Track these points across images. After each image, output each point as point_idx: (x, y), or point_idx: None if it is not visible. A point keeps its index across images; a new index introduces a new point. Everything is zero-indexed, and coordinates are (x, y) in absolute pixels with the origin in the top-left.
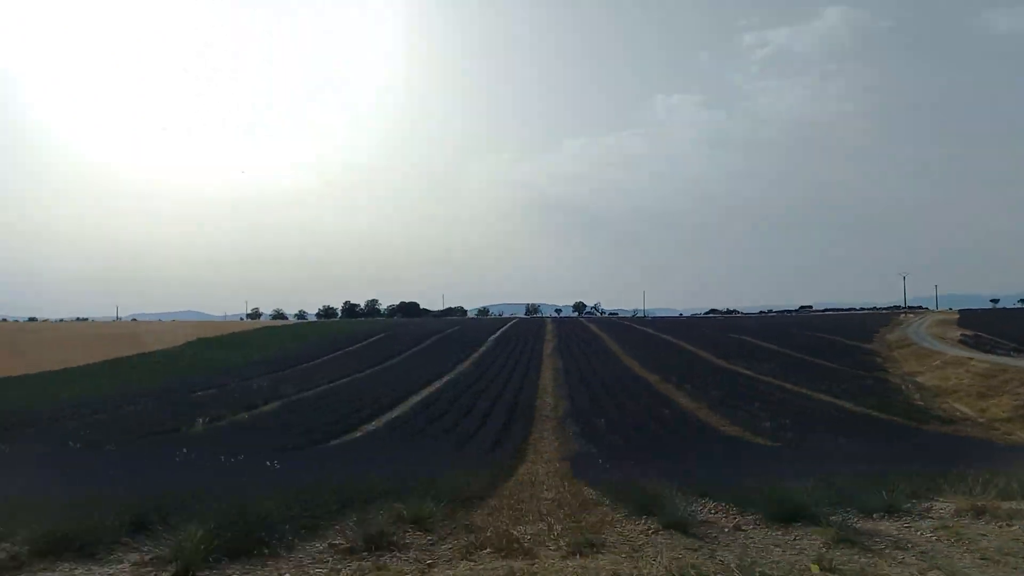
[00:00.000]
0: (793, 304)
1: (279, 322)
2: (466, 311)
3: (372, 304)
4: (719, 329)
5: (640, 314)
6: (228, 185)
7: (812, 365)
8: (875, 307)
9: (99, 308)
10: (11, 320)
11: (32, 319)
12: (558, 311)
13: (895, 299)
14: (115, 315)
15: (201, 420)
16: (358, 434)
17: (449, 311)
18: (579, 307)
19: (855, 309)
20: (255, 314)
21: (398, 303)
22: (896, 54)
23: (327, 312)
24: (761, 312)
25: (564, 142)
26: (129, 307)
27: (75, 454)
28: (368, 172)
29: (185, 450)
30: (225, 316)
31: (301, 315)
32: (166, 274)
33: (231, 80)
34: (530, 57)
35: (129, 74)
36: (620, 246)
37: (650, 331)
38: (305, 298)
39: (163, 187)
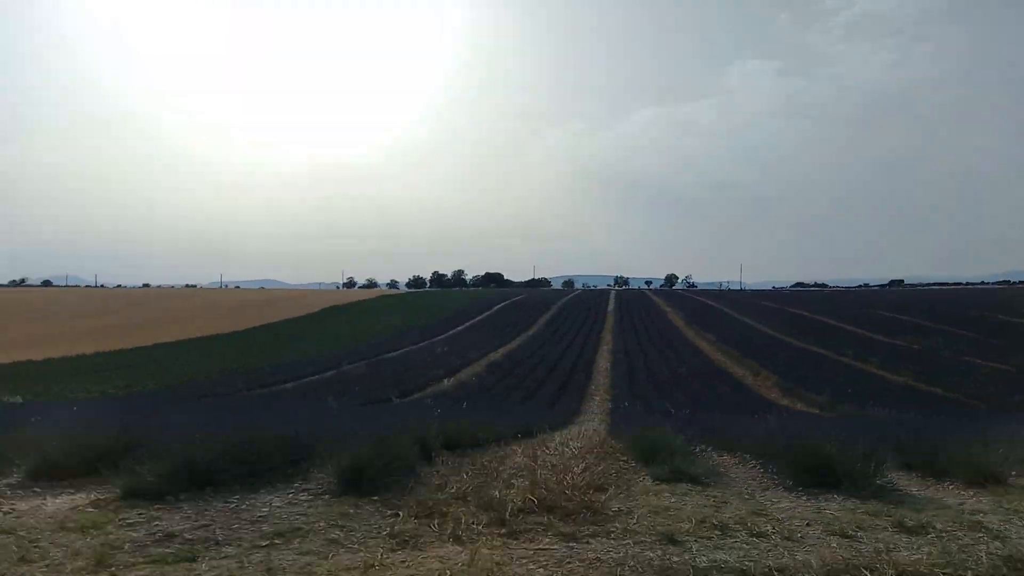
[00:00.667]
0: (876, 278)
1: (393, 291)
2: (550, 282)
3: (458, 274)
4: (850, 305)
5: (726, 287)
6: (304, 160)
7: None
8: (983, 281)
9: (185, 276)
10: (127, 287)
11: (146, 285)
12: (648, 283)
13: (995, 272)
14: (219, 282)
15: (435, 379)
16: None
17: (534, 282)
18: (670, 279)
19: (965, 284)
20: (350, 283)
21: (483, 273)
22: (991, 13)
23: (416, 281)
24: (861, 286)
25: (633, 114)
26: (211, 276)
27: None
28: (439, 146)
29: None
30: (320, 285)
31: (393, 284)
32: (243, 245)
33: (308, 61)
34: (598, 28)
35: (224, 63)
36: (701, 218)
37: (709, 302)
38: (378, 268)
39: (240, 163)
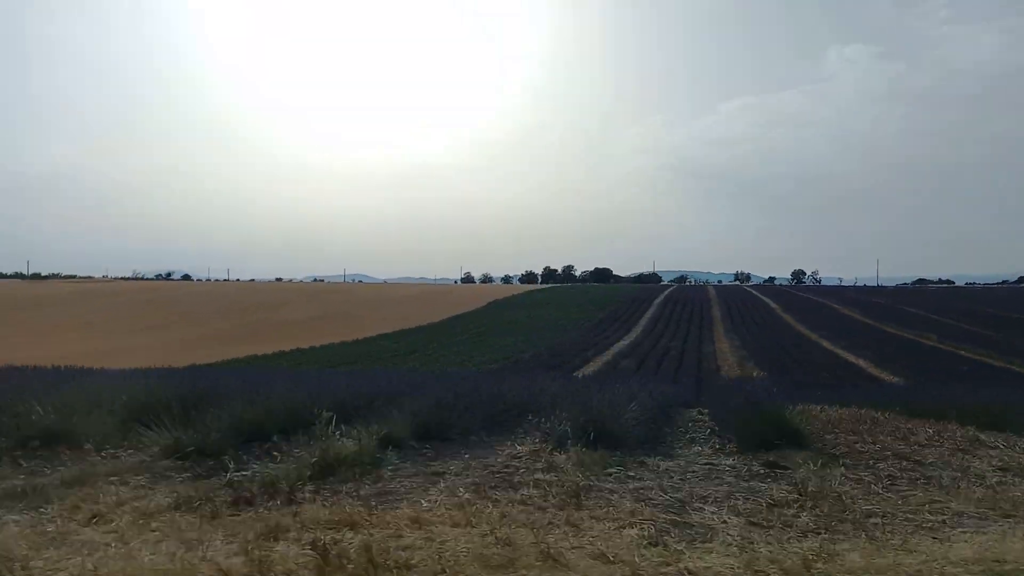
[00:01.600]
0: (997, 275)
1: (536, 286)
2: (660, 277)
3: (568, 269)
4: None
5: (856, 283)
6: (391, 159)
7: None
8: None
9: (278, 271)
10: (261, 281)
11: (278, 279)
12: (771, 279)
13: None
14: (342, 275)
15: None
16: None
17: (644, 277)
18: (797, 276)
19: None
20: (468, 278)
21: (592, 269)
22: None
23: (529, 277)
24: (1002, 283)
25: (719, 105)
26: (305, 271)
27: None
28: (519, 145)
29: None
30: (436, 280)
31: (507, 279)
32: (329, 241)
33: (404, 57)
34: (682, 17)
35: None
36: (791, 212)
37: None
38: (475, 263)
39: (338, 163)
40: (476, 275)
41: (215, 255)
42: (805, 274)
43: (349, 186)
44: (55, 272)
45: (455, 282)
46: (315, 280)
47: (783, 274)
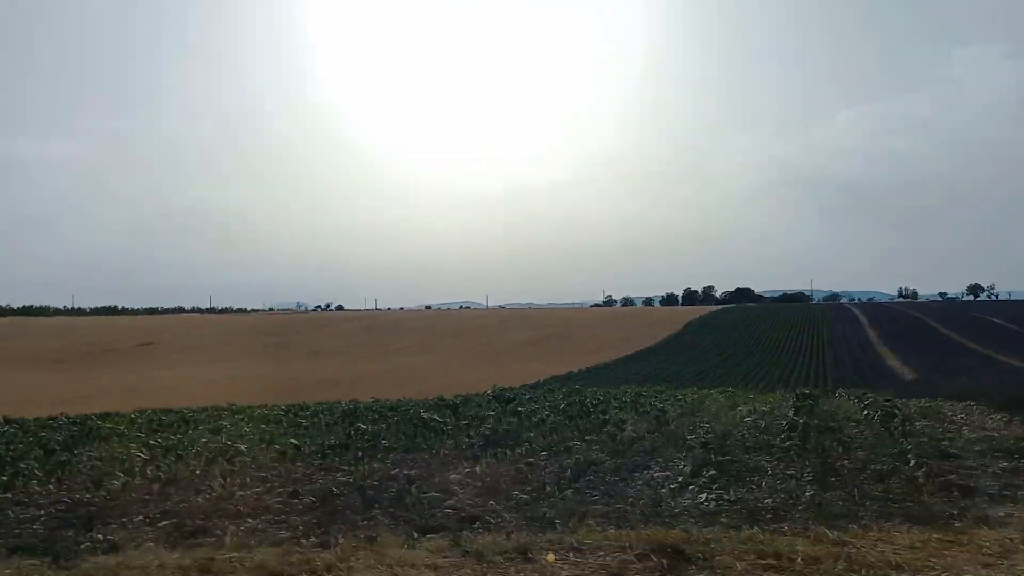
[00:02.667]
0: None
1: (714, 307)
2: (810, 296)
3: (708, 290)
4: None
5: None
6: (483, 181)
7: None
8: None
9: (397, 299)
10: (409, 308)
11: (427, 307)
12: (943, 295)
13: None
14: (457, 303)
15: None
16: None
17: (789, 297)
18: (974, 290)
19: None
20: (609, 301)
21: (734, 289)
22: None
23: (670, 299)
24: None
25: (834, 114)
26: (408, 300)
27: None
28: (621, 160)
29: None
30: (572, 303)
31: (648, 301)
32: (428, 265)
33: (492, 76)
34: (793, 23)
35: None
36: (907, 224)
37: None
38: (570, 284)
39: (422, 183)
40: (596, 298)
41: (331, 285)
42: (983, 289)
43: (457, 209)
44: (219, 306)
45: (593, 305)
46: (462, 307)
47: (931, 290)
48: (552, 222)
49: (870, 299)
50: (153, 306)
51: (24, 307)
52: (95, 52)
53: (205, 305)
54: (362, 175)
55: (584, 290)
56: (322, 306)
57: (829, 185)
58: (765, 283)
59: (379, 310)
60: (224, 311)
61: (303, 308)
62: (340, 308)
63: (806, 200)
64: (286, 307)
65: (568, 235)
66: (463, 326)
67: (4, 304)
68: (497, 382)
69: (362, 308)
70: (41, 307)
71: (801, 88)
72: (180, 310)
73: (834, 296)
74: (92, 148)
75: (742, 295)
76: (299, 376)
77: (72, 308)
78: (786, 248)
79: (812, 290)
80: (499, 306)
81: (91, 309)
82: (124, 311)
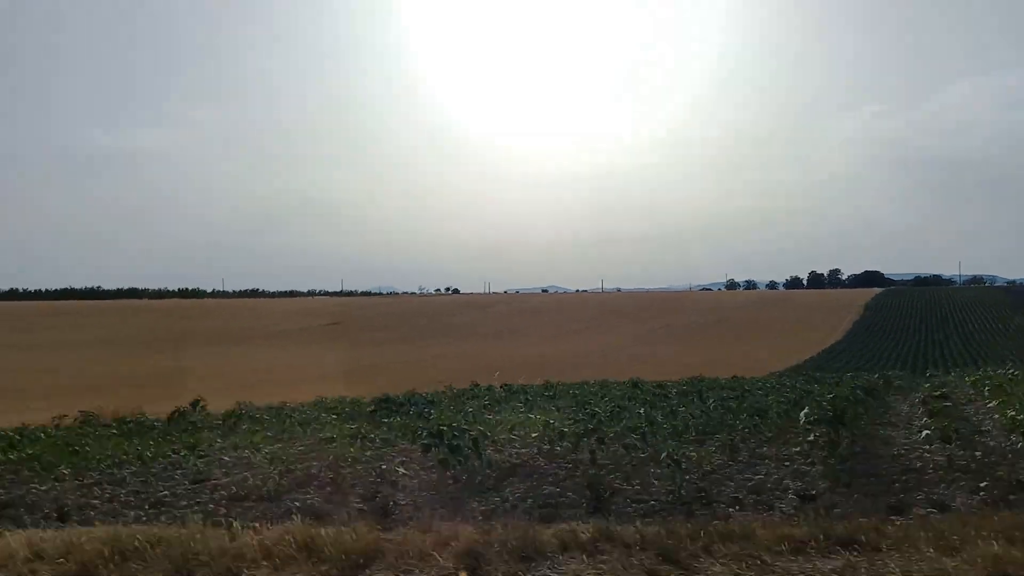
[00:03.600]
0: None
1: (876, 290)
2: (952, 280)
3: (834, 273)
4: None
5: None
6: (573, 164)
7: None
8: None
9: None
10: (521, 291)
11: (452, 289)
12: None
13: None
14: (540, 287)
15: None
16: None
17: (923, 280)
18: None
19: None
20: (732, 284)
21: (862, 271)
22: None
23: (794, 282)
24: None
25: (946, 86)
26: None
27: None
28: (714, 143)
29: None
30: (692, 287)
31: (772, 284)
32: (518, 249)
33: (576, 65)
34: None
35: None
36: None
37: None
38: (681, 269)
39: (518, 166)
40: (696, 280)
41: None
42: None
43: (540, 194)
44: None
45: (720, 287)
46: (578, 291)
47: None
48: (638, 207)
49: (1013, 283)
50: (286, 289)
51: (182, 290)
52: (220, 49)
53: (336, 288)
54: (459, 162)
55: (675, 275)
56: (441, 289)
57: (943, 163)
58: (890, 266)
59: (497, 293)
60: (369, 294)
61: (423, 291)
62: (456, 291)
63: (918, 179)
64: (407, 290)
65: (653, 220)
66: (615, 308)
67: (141, 286)
68: (725, 366)
69: (479, 292)
70: (194, 290)
71: (911, 58)
72: (313, 293)
73: (977, 279)
74: (213, 138)
75: (872, 278)
76: (512, 356)
77: (219, 291)
78: (899, 230)
79: (959, 274)
80: (616, 289)
81: (234, 292)
82: (263, 294)
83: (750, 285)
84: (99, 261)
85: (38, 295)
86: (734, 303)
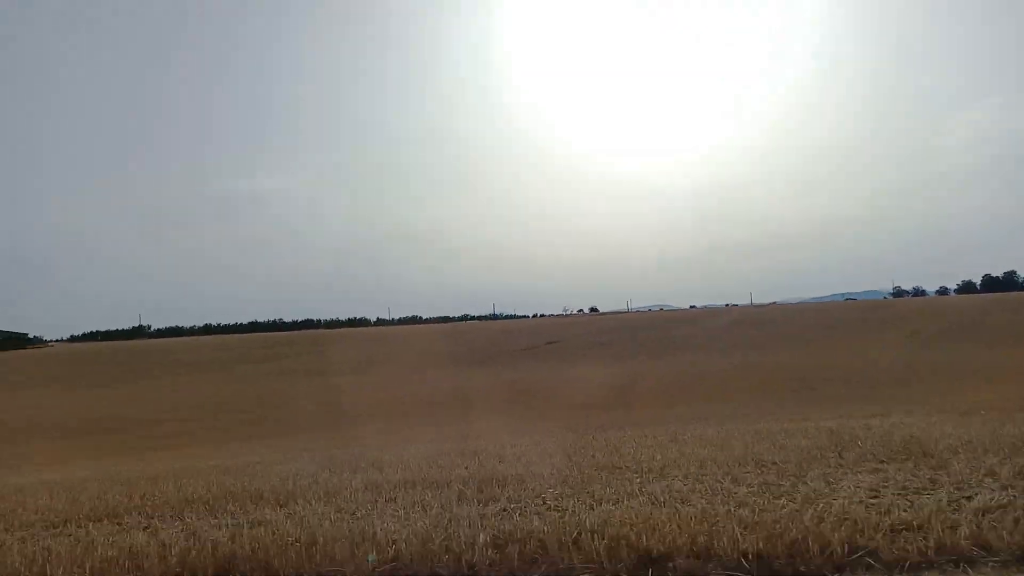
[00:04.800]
0: None
1: None
2: None
3: (1010, 275)
4: None
5: None
6: (674, 178)
7: None
8: None
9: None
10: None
11: (594, 309)
12: None
13: None
14: (650, 305)
15: None
16: None
17: None
18: None
19: None
20: (898, 292)
21: None
22: None
23: (967, 286)
24: None
25: None
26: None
27: None
28: (821, 149)
29: None
30: (856, 294)
31: (943, 290)
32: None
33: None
34: None
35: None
36: None
37: None
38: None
39: (618, 179)
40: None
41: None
42: None
43: (642, 206)
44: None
45: (884, 296)
46: (728, 305)
47: None
48: (744, 218)
49: None
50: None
51: (350, 319)
52: (341, 100)
53: (446, 314)
54: (557, 181)
55: (788, 286)
56: (580, 310)
57: None
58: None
59: (641, 310)
60: (497, 317)
61: (568, 312)
62: (594, 310)
63: None
64: (522, 314)
65: (761, 230)
66: (827, 316)
67: (267, 319)
68: None
69: (620, 310)
70: (361, 319)
71: None
72: (467, 318)
73: None
74: (312, 178)
75: None
76: (804, 370)
77: (383, 319)
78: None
79: None
80: (772, 303)
81: (396, 320)
82: (422, 320)
83: (918, 292)
84: (236, 294)
85: (221, 329)
86: (954, 307)
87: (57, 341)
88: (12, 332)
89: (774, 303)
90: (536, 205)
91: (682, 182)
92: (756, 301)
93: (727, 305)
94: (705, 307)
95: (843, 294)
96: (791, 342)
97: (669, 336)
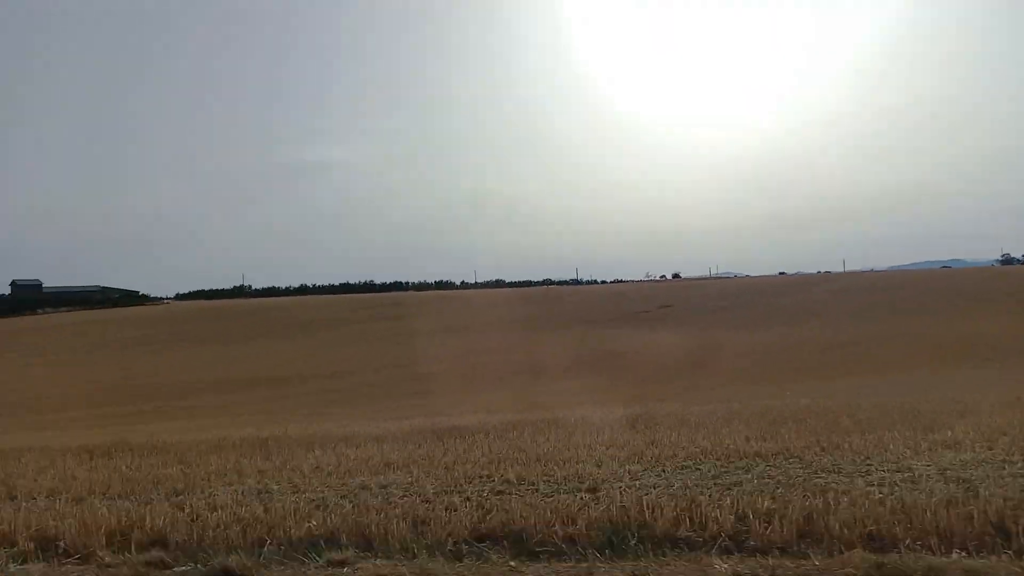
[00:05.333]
0: None
1: None
2: None
3: None
4: None
5: None
6: (735, 148)
7: None
8: None
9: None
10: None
11: (676, 275)
12: None
13: None
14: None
15: None
16: None
17: None
18: None
19: None
20: (1007, 259)
21: None
22: None
23: None
24: None
25: None
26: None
27: None
28: (910, 114)
29: None
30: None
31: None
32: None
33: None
34: None
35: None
36: None
37: None
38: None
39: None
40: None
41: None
42: None
43: (708, 179)
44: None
45: (993, 263)
46: (821, 272)
47: None
48: (806, 187)
49: None
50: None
51: (438, 282)
52: (401, 68)
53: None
54: (627, 152)
55: (852, 256)
56: (663, 275)
57: None
58: None
59: (722, 276)
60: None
61: (651, 277)
62: (676, 276)
63: None
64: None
65: (821, 199)
66: (978, 289)
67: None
68: None
69: (704, 276)
70: (447, 282)
71: None
72: (551, 282)
73: None
74: (396, 147)
75: None
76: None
77: (468, 283)
78: None
79: None
80: (869, 269)
81: (480, 283)
82: (504, 284)
83: (1006, 260)
84: (306, 260)
85: (317, 290)
86: None
87: (166, 299)
88: (127, 290)
89: (871, 270)
90: (616, 174)
91: (743, 152)
92: (846, 268)
93: (819, 272)
94: (797, 273)
95: (931, 262)
96: (925, 310)
97: (799, 301)
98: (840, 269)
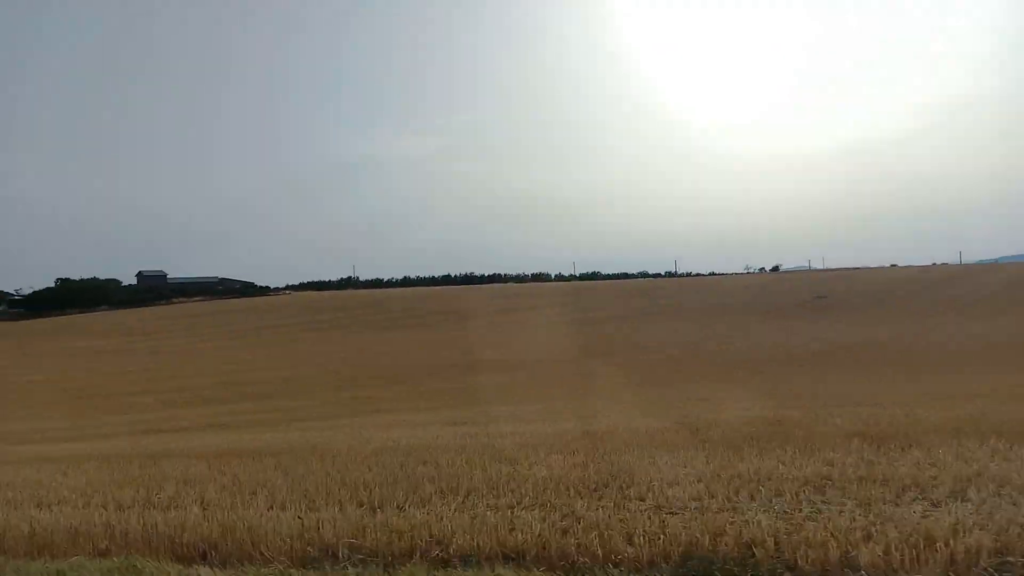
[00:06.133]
0: None
1: None
2: None
3: None
4: None
5: None
6: (824, 140)
7: None
8: None
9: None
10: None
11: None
12: None
13: None
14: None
15: None
16: None
17: None
18: None
19: None
20: None
21: None
22: None
23: None
24: None
25: None
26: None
27: None
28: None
29: None
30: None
31: None
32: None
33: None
34: None
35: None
36: None
37: None
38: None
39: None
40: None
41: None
42: None
43: (788, 173)
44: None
45: None
46: (891, 265)
47: None
48: (902, 182)
49: None
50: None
51: (493, 274)
52: (461, 66)
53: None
54: (683, 151)
55: (940, 250)
56: (762, 268)
57: None
58: None
59: (830, 270)
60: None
61: (750, 270)
62: (776, 269)
63: None
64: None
65: (921, 194)
66: None
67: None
68: None
69: (804, 267)
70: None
71: None
72: (646, 275)
73: None
74: (451, 144)
75: None
76: None
77: (559, 275)
78: None
79: None
80: (938, 263)
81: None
82: (601, 276)
83: None
84: (363, 254)
85: (421, 282)
86: None
87: (285, 289)
88: (245, 281)
89: (996, 261)
90: (662, 175)
91: (831, 145)
92: (955, 260)
93: (934, 264)
94: (908, 265)
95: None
96: None
97: (964, 294)
98: (956, 260)
